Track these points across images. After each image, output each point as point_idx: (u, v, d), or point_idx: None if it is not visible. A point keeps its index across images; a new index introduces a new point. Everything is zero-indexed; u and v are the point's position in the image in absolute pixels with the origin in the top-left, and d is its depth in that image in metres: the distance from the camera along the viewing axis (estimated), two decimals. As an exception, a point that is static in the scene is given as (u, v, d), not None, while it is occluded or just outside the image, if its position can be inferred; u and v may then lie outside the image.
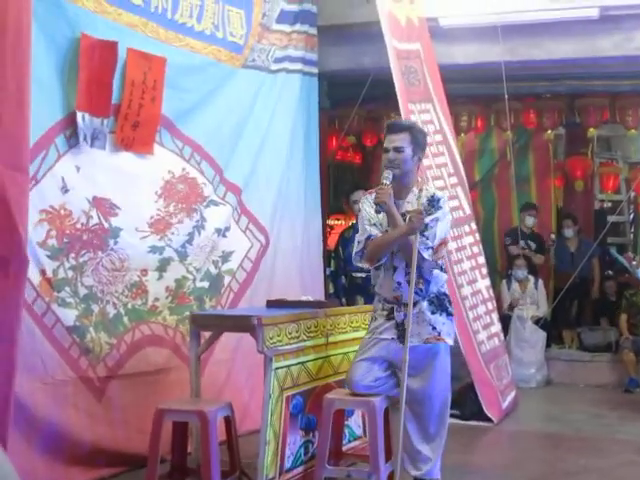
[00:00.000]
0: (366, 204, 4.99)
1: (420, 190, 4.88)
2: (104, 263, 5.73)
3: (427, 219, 4.77)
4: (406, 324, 4.83)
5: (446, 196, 5.03)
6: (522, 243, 9.92)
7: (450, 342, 4.99)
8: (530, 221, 10.28)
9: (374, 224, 4.93)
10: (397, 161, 4.82)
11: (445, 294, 5.01)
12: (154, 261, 6.13)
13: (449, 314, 4.97)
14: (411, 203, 4.88)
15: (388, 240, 4.81)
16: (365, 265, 5.04)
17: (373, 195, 4.88)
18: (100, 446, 5.45)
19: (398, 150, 4.83)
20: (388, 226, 4.85)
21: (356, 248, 4.99)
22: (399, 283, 4.83)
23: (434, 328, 4.88)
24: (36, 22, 5.12)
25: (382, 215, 4.86)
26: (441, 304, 4.95)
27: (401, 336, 4.85)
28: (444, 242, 4.91)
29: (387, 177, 4.77)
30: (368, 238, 4.90)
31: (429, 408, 4.94)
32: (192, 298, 6.45)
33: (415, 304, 4.87)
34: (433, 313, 4.90)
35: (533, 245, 10.21)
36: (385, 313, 4.92)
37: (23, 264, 4.31)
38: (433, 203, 4.84)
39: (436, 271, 4.91)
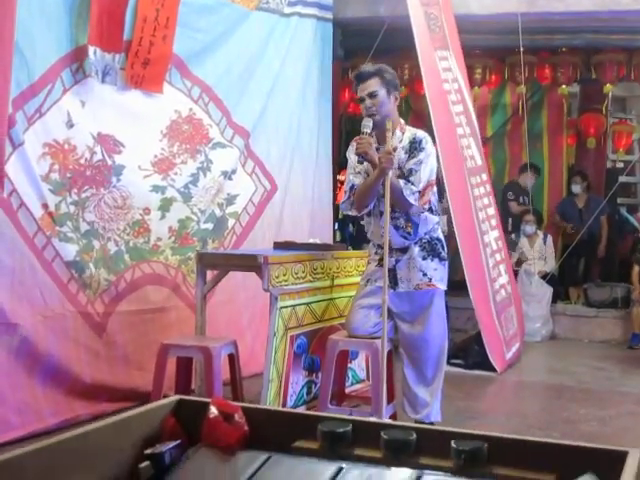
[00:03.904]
0: (351, 153, 4.98)
1: (403, 132, 4.87)
2: (106, 200, 5.73)
3: (410, 162, 4.75)
4: (398, 270, 4.87)
5: (429, 136, 4.93)
6: (521, 199, 9.88)
7: (443, 287, 4.97)
8: (530, 183, 10.16)
9: (358, 172, 4.92)
10: (374, 107, 4.77)
11: (438, 238, 4.96)
12: (156, 200, 6.13)
13: (441, 259, 4.93)
14: (396, 146, 4.83)
15: (366, 186, 4.80)
16: (354, 213, 5.04)
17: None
18: (101, 381, 5.47)
19: (372, 95, 4.77)
20: None
21: (344, 197, 5.00)
22: None
23: (425, 274, 4.86)
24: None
25: (366, 163, 4.84)
26: (433, 249, 4.91)
27: (393, 282, 4.87)
28: (431, 184, 4.83)
29: (366, 125, 4.71)
30: (352, 187, 4.91)
31: (426, 353, 4.96)
32: (196, 239, 6.45)
33: (406, 249, 4.88)
34: (424, 259, 4.88)
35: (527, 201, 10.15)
36: (377, 258, 4.90)
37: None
38: (415, 145, 4.80)
39: (425, 214, 4.87)
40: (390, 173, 4.59)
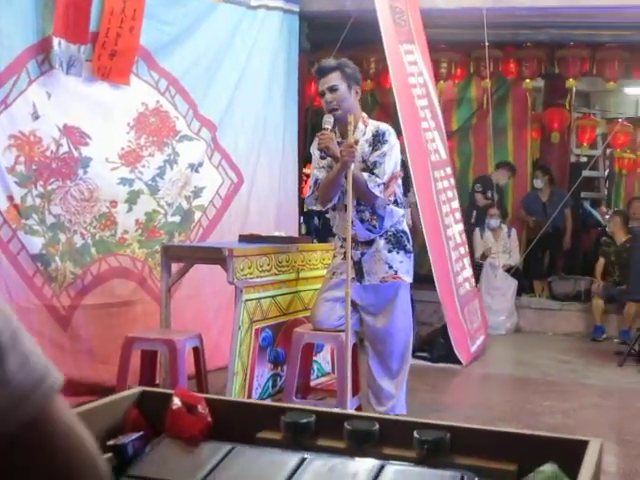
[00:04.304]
0: (314, 149, 4.99)
1: (366, 125, 4.88)
2: (73, 192, 5.70)
3: (374, 155, 4.77)
4: (363, 263, 4.89)
5: (392, 129, 4.95)
6: (489, 193, 9.94)
7: (409, 280, 5.00)
8: (503, 181, 10.33)
9: (322, 167, 4.93)
10: (335, 101, 4.77)
11: (403, 231, 4.99)
12: (123, 193, 6.10)
13: (407, 252, 4.96)
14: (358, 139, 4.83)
15: (329, 180, 4.82)
16: (318, 207, 5.08)
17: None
18: (66, 375, 5.21)
19: (332, 89, 4.78)
20: None
21: (308, 192, 5.03)
22: (352, 222, 4.77)
23: (390, 267, 4.89)
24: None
25: (330, 158, 4.84)
26: (398, 242, 4.94)
27: (359, 274, 4.88)
28: (395, 176, 4.87)
29: (327, 122, 4.74)
30: (316, 182, 4.93)
31: (391, 346, 4.99)
32: (163, 232, 6.43)
33: (372, 242, 4.91)
34: (390, 252, 4.90)
35: (497, 197, 10.22)
36: (343, 251, 4.88)
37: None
38: (379, 137, 4.82)
39: (390, 206, 4.89)
40: (352, 166, 4.60)
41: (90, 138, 5.78)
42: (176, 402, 1.77)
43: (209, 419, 1.76)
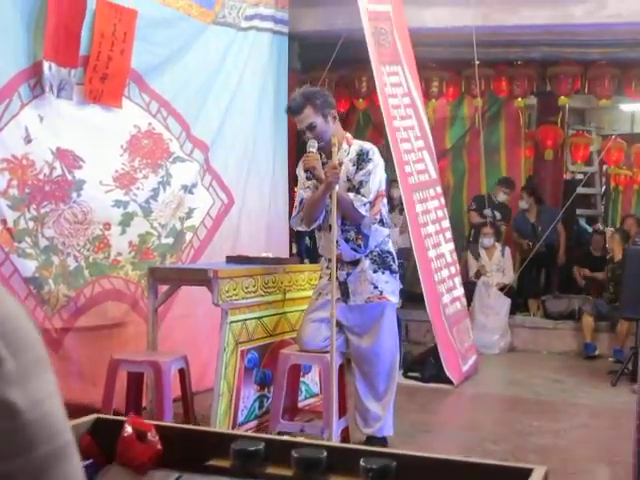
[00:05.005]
0: (300, 170, 5.00)
1: (350, 145, 4.90)
2: (66, 215, 5.70)
3: (359, 174, 4.79)
4: (349, 283, 4.89)
5: (375, 147, 4.97)
6: (488, 211, 9.93)
7: (394, 300, 5.01)
8: (502, 197, 10.36)
9: (307, 187, 4.96)
10: (316, 136, 4.78)
11: (388, 251, 5.00)
12: (117, 215, 6.10)
13: (392, 272, 4.97)
14: (342, 161, 4.86)
15: (313, 200, 4.84)
16: (303, 228, 5.11)
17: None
18: None
19: (311, 127, 4.79)
20: None
21: (294, 213, 5.04)
22: (337, 241, 4.78)
23: (376, 287, 4.90)
24: (3, -31, 5.11)
25: (314, 180, 4.87)
26: (384, 262, 4.95)
27: (344, 295, 4.89)
28: (380, 195, 4.90)
29: (312, 145, 4.76)
30: (301, 202, 4.95)
31: (377, 367, 4.99)
32: (156, 254, 6.43)
33: (357, 263, 4.92)
34: (375, 272, 4.91)
35: (498, 215, 10.23)
36: (329, 272, 4.86)
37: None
38: (363, 157, 4.84)
39: (375, 226, 4.91)
40: (337, 187, 4.61)
41: (83, 161, 5.78)
42: (127, 430, 1.77)
43: (159, 446, 1.75)
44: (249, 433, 1.89)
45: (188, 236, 6.79)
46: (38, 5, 5.38)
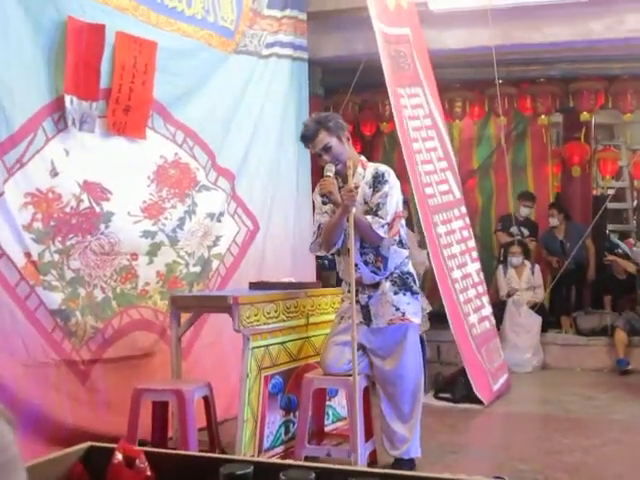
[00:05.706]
0: (317, 195, 5.03)
1: (365, 168, 4.92)
2: (92, 247, 5.74)
3: (376, 196, 4.80)
4: (370, 306, 4.90)
5: (390, 169, 4.98)
6: (515, 230, 9.89)
7: (417, 321, 5.01)
8: (525, 211, 10.34)
9: (325, 212, 4.97)
10: (333, 157, 4.82)
11: (409, 272, 5.01)
12: (145, 245, 6.15)
13: (414, 293, 4.98)
14: (358, 184, 4.87)
15: (331, 225, 4.85)
16: (322, 253, 5.15)
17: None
18: (82, 428, 5.42)
19: (326, 149, 4.82)
20: None
21: (312, 238, 5.07)
22: (356, 265, 4.81)
23: (397, 309, 4.90)
24: (21, 5, 5.19)
25: (331, 205, 4.89)
26: (404, 283, 4.95)
27: (367, 318, 4.90)
28: (398, 215, 4.89)
29: (329, 169, 4.78)
30: (319, 227, 4.97)
31: (401, 389, 4.98)
32: (184, 283, 6.47)
33: (378, 285, 4.92)
34: (396, 293, 4.91)
35: (526, 232, 10.18)
36: (350, 295, 4.86)
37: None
38: (379, 179, 4.86)
39: (394, 247, 4.92)
40: (353, 210, 4.63)
41: (111, 193, 5.83)
42: (117, 457, 1.79)
43: (148, 473, 1.77)
44: (239, 457, 1.90)
45: (215, 264, 6.83)
46: (57, 40, 5.44)
